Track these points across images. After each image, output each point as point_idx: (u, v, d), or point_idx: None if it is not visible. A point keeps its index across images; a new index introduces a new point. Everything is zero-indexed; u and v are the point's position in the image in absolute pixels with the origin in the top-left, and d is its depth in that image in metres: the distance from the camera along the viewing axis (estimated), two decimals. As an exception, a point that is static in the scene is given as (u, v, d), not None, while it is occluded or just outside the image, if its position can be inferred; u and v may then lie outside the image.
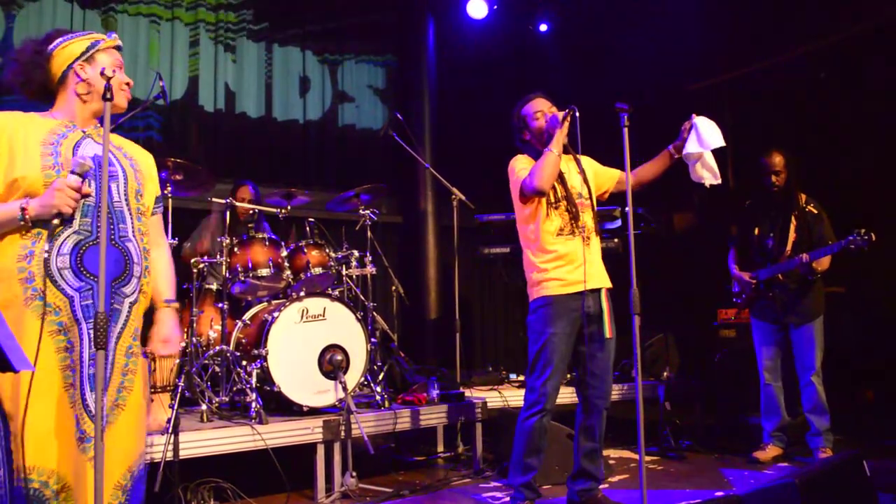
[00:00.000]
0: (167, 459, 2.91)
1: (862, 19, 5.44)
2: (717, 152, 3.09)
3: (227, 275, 3.98)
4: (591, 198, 3.19)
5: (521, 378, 5.02)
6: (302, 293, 3.89)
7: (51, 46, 2.13)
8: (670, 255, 6.08)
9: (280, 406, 3.76)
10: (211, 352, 3.95)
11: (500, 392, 4.55)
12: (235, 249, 4.01)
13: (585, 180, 3.21)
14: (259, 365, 3.65)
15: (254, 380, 3.63)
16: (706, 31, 6.20)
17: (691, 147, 3.08)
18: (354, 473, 3.45)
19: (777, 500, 2.25)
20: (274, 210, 4.38)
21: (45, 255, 1.97)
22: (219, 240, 4.05)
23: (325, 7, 6.63)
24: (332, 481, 3.53)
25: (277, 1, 6.37)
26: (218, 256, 4.02)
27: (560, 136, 3.04)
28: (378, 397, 3.97)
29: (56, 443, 1.91)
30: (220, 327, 4.04)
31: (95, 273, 2.00)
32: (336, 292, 4.18)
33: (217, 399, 3.79)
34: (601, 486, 3.32)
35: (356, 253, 4.39)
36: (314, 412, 3.68)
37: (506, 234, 4.91)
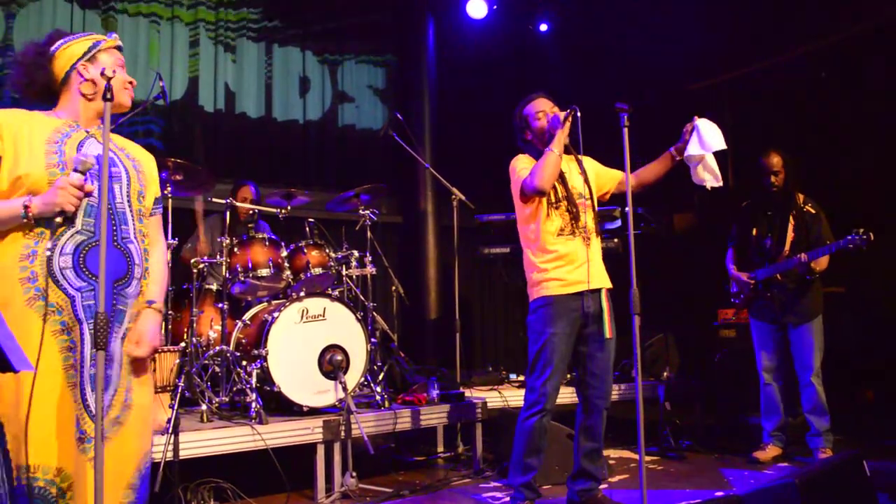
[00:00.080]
0: (167, 459, 2.91)
1: (862, 19, 5.44)
2: (717, 153, 3.09)
3: (227, 275, 3.98)
4: (591, 198, 3.20)
5: (521, 378, 5.02)
6: (302, 293, 3.89)
7: (53, 47, 2.13)
8: (670, 255, 6.08)
9: (280, 406, 3.76)
10: (211, 352, 3.95)
11: (500, 392, 4.55)
12: (235, 249, 4.01)
13: (587, 181, 3.21)
14: (259, 365, 3.65)
15: (254, 380, 3.63)
16: (706, 31, 6.20)
17: (693, 149, 3.08)
18: (354, 473, 3.46)
19: (777, 500, 2.25)
20: (274, 210, 4.38)
21: (48, 253, 1.96)
22: (219, 240, 4.05)
23: (325, 7, 6.63)
24: (332, 481, 3.53)
25: (278, 1, 6.37)
26: (218, 256, 4.02)
27: (561, 136, 3.04)
28: (378, 397, 3.97)
29: (60, 442, 1.91)
30: (220, 327, 4.04)
31: (97, 273, 2.00)
32: (336, 292, 4.18)
33: (217, 399, 3.79)
34: (601, 486, 3.32)
35: (356, 253, 4.39)
36: (314, 412, 3.68)
37: (506, 234, 4.92)
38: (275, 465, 3.28)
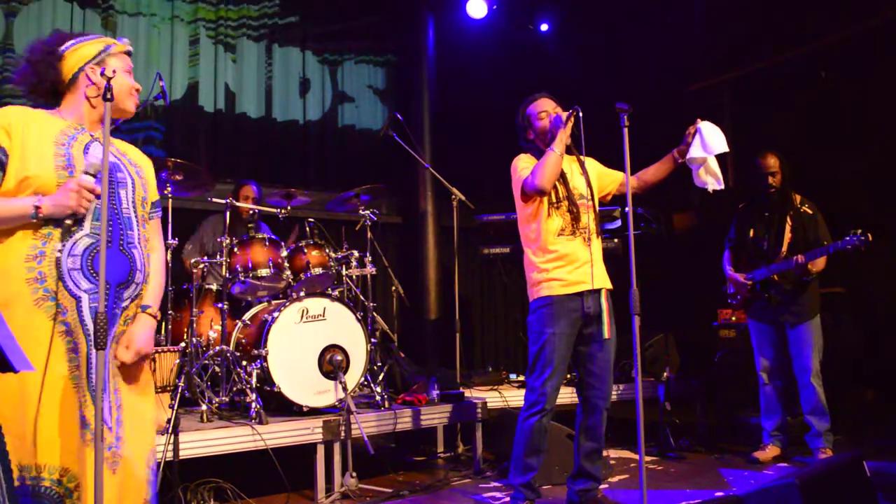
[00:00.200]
0: (167, 459, 2.91)
1: (862, 19, 5.44)
2: (718, 155, 3.10)
3: (227, 275, 3.98)
4: (592, 199, 3.20)
5: (521, 378, 5.02)
6: (302, 293, 3.89)
7: (63, 47, 2.13)
8: (670, 255, 6.08)
9: (280, 406, 3.76)
10: (211, 352, 3.94)
11: (500, 392, 4.55)
12: (235, 250, 4.01)
13: (588, 182, 3.21)
14: (259, 365, 3.65)
15: (254, 380, 3.63)
16: (706, 31, 6.20)
17: (695, 152, 3.09)
18: (354, 474, 3.46)
19: (777, 500, 2.25)
20: (274, 210, 4.38)
21: (58, 254, 1.96)
22: (218, 240, 4.05)
23: (325, 7, 6.63)
24: (332, 481, 3.53)
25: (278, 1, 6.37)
26: (218, 257, 4.02)
27: (563, 136, 3.05)
28: (378, 397, 3.96)
29: (66, 442, 1.91)
30: (220, 327, 4.03)
31: (106, 277, 2.01)
32: (336, 292, 4.18)
33: (217, 399, 3.79)
34: (601, 486, 3.32)
35: (356, 253, 4.39)
36: (314, 412, 3.68)
37: (506, 234, 4.91)
38: (275, 466, 3.28)
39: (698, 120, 3.13)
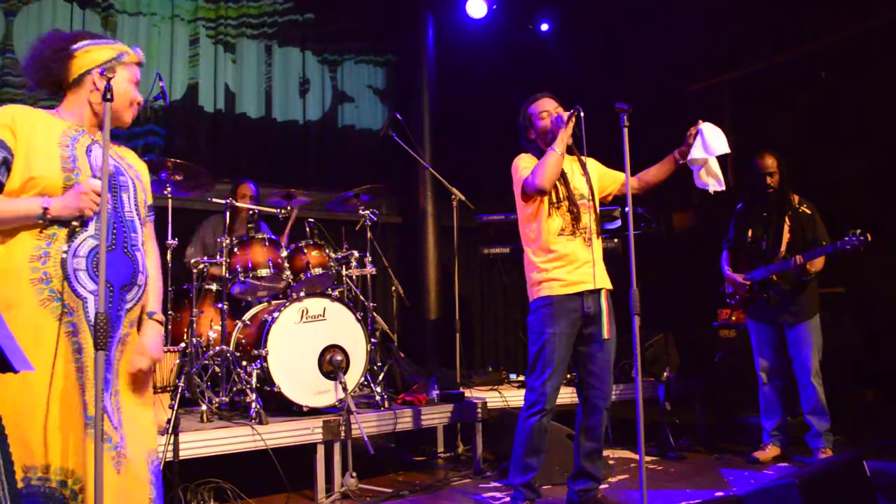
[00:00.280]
0: (167, 460, 2.91)
1: (862, 19, 5.44)
2: (719, 155, 3.10)
3: (227, 275, 3.98)
4: (593, 199, 3.20)
5: (521, 378, 5.02)
6: (302, 293, 3.89)
7: (76, 45, 2.12)
8: (670, 255, 6.08)
9: (280, 406, 3.76)
10: (211, 352, 3.94)
11: (500, 392, 4.55)
12: (235, 250, 4.01)
13: (589, 182, 3.21)
14: (259, 365, 3.65)
15: (254, 380, 3.63)
16: (706, 31, 6.20)
17: (696, 153, 3.09)
18: (354, 474, 3.46)
19: (777, 500, 2.25)
20: (274, 210, 4.38)
21: (64, 255, 1.96)
22: (218, 240, 4.05)
23: (325, 7, 6.63)
24: (332, 482, 3.53)
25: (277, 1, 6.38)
26: (218, 257, 4.02)
27: (564, 136, 3.05)
28: (378, 397, 3.96)
29: (73, 443, 1.91)
30: (220, 328, 4.03)
31: (111, 279, 2.02)
32: (336, 293, 4.18)
33: (217, 399, 3.78)
34: (601, 486, 3.32)
35: (356, 253, 4.39)
36: (314, 412, 3.68)
37: (506, 234, 4.91)
38: (275, 466, 3.28)
39: (699, 121, 3.14)
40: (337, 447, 3.54)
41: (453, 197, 4.86)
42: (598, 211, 3.22)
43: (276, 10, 6.34)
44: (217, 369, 3.93)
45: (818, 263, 4.00)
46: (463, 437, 4.59)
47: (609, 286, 3.17)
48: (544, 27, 7.07)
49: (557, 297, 3.06)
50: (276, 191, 4.63)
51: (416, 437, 4.60)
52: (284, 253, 4.08)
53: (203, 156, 5.69)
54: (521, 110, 3.28)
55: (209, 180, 4.20)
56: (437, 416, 4.06)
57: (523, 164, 3.17)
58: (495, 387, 4.80)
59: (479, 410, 4.15)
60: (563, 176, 3.13)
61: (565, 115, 3.08)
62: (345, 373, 3.67)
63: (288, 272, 4.06)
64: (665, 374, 4.65)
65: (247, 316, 4.09)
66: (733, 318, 4.90)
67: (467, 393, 4.39)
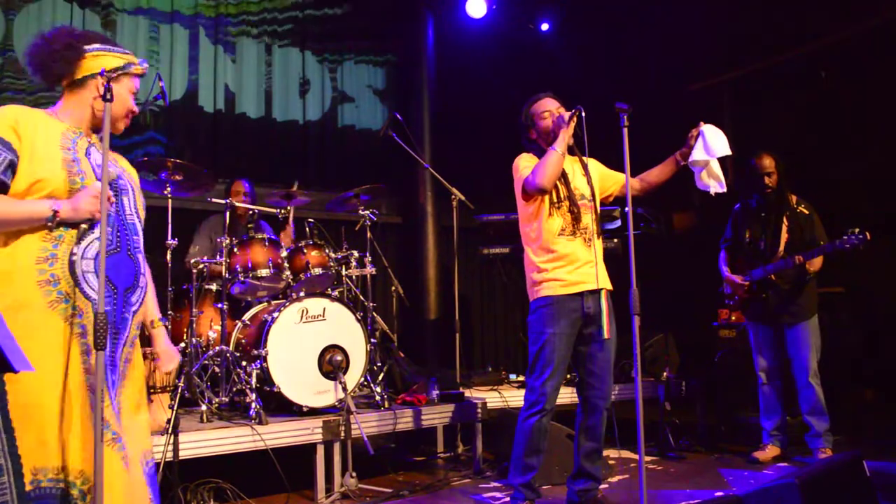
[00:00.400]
0: (167, 460, 2.91)
1: (862, 19, 5.44)
2: (720, 157, 3.10)
3: (227, 275, 3.98)
4: (594, 200, 3.19)
5: (521, 378, 5.02)
6: (302, 293, 3.89)
7: (88, 47, 2.11)
8: (670, 255, 6.08)
9: (280, 406, 3.76)
10: (211, 352, 3.95)
11: (500, 392, 4.55)
12: (235, 250, 4.01)
13: (590, 182, 3.21)
14: (259, 365, 3.65)
15: (253, 380, 3.63)
16: (706, 31, 6.20)
17: (698, 154, 3.10)
18: (354, 474, 3.46)
19: (777, 500, 2.25)
20: (273, 210, 4.38)
21: (73, 257, 1.96)
22: (218, 240, 4.05)
23: (325, 7, 6.63)
24: (331, 482, 3.53)
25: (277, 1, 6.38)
26: (217, 257, 4.02)
27: (565, 136, 3.05)
28: (378, 397, 3.96)
29: (84, 444, 1.91)
30: (219, 328, 4.03)
31: (115, 282, 2.03)
32: (336, 293, 4.18)
33: (217, 399, 3.79)
34: (601, 486, 3.32)
35: (356, 253, 4.39)
36: (314, 412, 3.67)
37: (506, 234, 4.91)
38: (275, 466, 3.28)
39: (701, 123, 3.14)
40: (337, 447, 3.54)
41: (453, 197, 4.86)
42: (598, 211, 3.22)
43: (275, 7, 6.33)
44: (217, 369, 3.93)
45: (817, 263, 4.00)
46: (463, 437, 4.59)
47: (609, 286, 3.17)
48: (544, 27, 7.07)
49: (557, 297, 3.06)
50: (276, 191, 4.63)
51: (415, 437, 4.60)
52: (284, 253, 4.08)
53: (203, 156, 5.68)
54: (522, 110, 3.28)
55: (209, 180, 4.20)
56: (437, 416, 4.06)
57: (524, 164, 3.17)
58: (495, 387, 4.80)
59: (479, 410, 4.15)
60: (563, 176, 3.13)
61: (566, 114, 3.08)
62: (345, 373, 3.67)
63: (288, 272, 4.06)
64: (665, 374, 4.65)
65: (247, 316, 4.09)
66: (733, 319, 4.90)
67: (467, 393, 4.39)
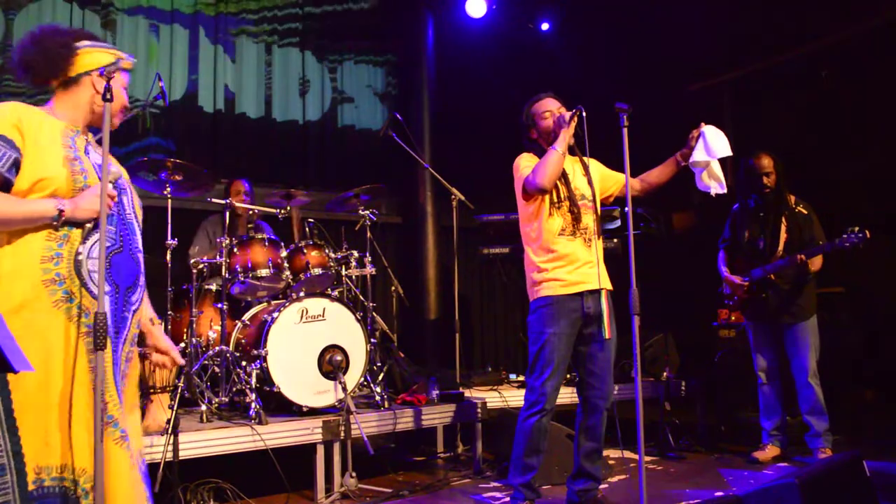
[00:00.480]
0: (167, 460, 2.91)
1: (862, 19, 5.44)
2: (721, 158, 3.11)
3: (227, 275, 3.98)
4: (594, 200, 3.19)
5: (521, 378, 5.02)
6: (301, 293, 3.89)
7: (79, 44, 2.10)
8: (670, 255, 6.08)
9: (280, 406, 3.76)
10: (210, 352, 3.95)
11: (499, 392, 4.55)
12: (235, 250, 4.01)
13: (590, 182, 3.20)
14: (258, 365, 3.65)
15: (253, 380, 3.63)
16: (706, 31, 6.20)
17: (698, 155, 3.10)
18: (354, 474, 3.46)
19: (777, 500, 2.25)
20: (273, 210, 4.38)
21: (80, 256, 1.96)
22: (218, 240, 4.05)
23: (325, 7, 6.63)
24: (331, 482, 3.53)
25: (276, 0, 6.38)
26: (217, 257, 4.02)
27: (565, 136, 3.05)
28: (378, 397, 3.96)
29: (87, 442, 1.92)
30: (219, 328, 4.03)
31: (117, 281, 2.03)
32: (335, 293, 4.18)
33: (217, 399, 3.79)
34: (601, 486, 3.32)
35: (356, 253, 4.39)
36: (314, 412, 3.67)
37: (506, 234, 4.91)
38: (275, 466, 3.28)
39: (702, 123, 3.14)
40: (337, 447, 3.54)
41: (453, 197, 4.86)
42: (599, 212, 3.22)
43: (275, 5, 6.33)
44: (217, 369, 3.93)
45: (817, 262, 4.00)
46: (463, 437, 4.59)
47: (609, 287, 3.16)
48: (544, 27, 7.07)
49: (557, 297, 3.06)
50: (275, 191, 4.63)
51: (415, 437, 4.60)
52: (284, 253, 4.08)
53: (203, 156, 5.69)
54: (523, 110, 3.28)
55: (209, 180, 4.20)
56: (436, 416, 4.06)
57: (524, 163, 3.17)
58: (495, 387, 4.80)
59: (479, 410, 4.15)
60: (564, 176, 3.13)
61: (567, 114, 3.08)
62: (344, 373, 3.67)
63: (287, 272, 4.06)
64: (665, 374, 4.65)
65: (246, 316, 4.09)
66: (733, 318, 4.90)
67: (467, 393, 4.39)
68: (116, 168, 2.12)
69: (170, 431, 2.93)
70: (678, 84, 6.44)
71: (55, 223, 1.93)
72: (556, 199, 3.11)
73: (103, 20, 5.45)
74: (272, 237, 4.19)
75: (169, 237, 3.83)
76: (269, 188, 5.04)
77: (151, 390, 3.19)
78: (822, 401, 3.98)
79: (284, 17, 6.40)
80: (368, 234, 4.57)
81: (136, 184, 4.16)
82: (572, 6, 6.91)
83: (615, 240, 4.79)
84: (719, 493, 3.47)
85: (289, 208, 4.43)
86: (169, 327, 4.02)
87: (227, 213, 4.18)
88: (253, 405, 3.50)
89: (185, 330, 4.11)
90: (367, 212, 4.51)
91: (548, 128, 3.17)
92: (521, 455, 3.10)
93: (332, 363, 3.68)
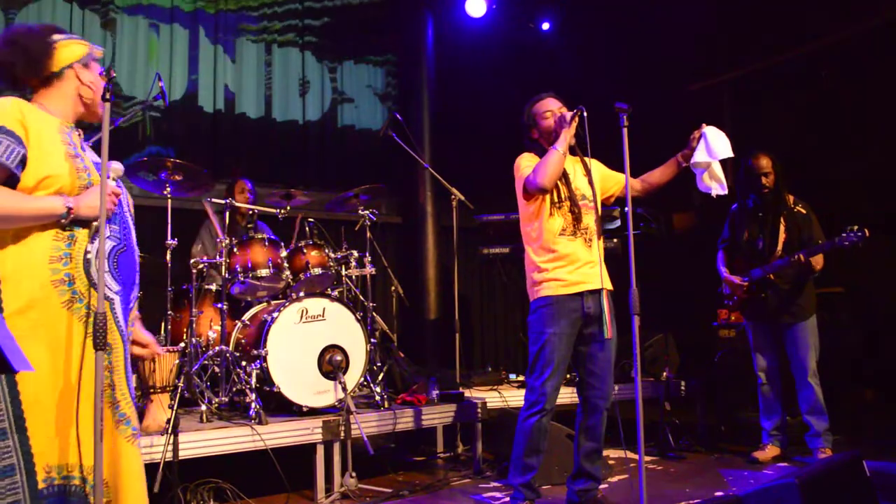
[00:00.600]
0: (167, 460, 2.91)
1: (862, 19, 5.44)
2: (722, 159, 3.11)
3: (227, 275, 3.98)
4: (595, 200, 3.19)
5: (521, 378, 5.02)
6: (301, 293, 3.89)
7: (55, 38, 2.07)
8: (670, 255, 6.08)
9: (280, 406, 3.76)
10: (210, 352, 3.95)
11: (499, 392, 4.55)
12: (235, 250, 4.01)
13: (591, 183, 3.20)
14: (258, 365, 3.65)
15: (253, 380, 3.63)
16: (706, 31, 6.20)
17: (700, 156, 3.10)
18: (354, 474, 3.46)
19: (777, 500, 2.25)
20: (273, 210, 4.38)
21: (88, 256, 1.96)
22: (217, 240, 4.05)
23: (324, 6, 6.63)
24: (331, 482, 3.53)
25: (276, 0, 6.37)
26: (217, 257, 4.02)
27: (566, 136, 3.05)
28: (378, 397, 3.96)
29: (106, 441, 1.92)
30: (219, 328, 4.03)
31: (124, 278, 2.05)
32: (335, 293, 4.18)
33: (217, 399, 3.79)
34: (601, 486, 3.32)
35: (355, 253, 4.39)
36: (314, 412, 3.67)
37: (505, 234, 4.91)
38: (275, 466, 3.28)
39: (703, 125, 3.14)
40: (337, 447, 3.54)
41: (453, 197, 4.86)
42: (599, 212, 3.22)
43: (275, 1, 6.32)
44: (216, 369, 3.93)
45: (820, 261, 4.00)
46: (463, 437, 4.59)
47: (609, 287, 3.16)
48: (545, 27, 7.07)
49: (558, 297, 3.06)
50: (275, 191, 4.63)
51: (415, 437, 4.60)
52: (284, 253, 4.08)
53: (203, 156, 5.69)
54: (524, 109, 3.28)
55: (209, 180, 4.20)
56: (436, 416, 4.06)
57: (525, 163, 3.17)
58: (495, 387, 4.79)
59: (479, 410, 4.15)
60: (564, 176, 3.13)
61: (568, 114, 3.08)
62: (344, 373, 3.67)
63: (287, 272, 4.06)
64: (665, 374, 4.65)
65: (246, 316, 4.09)
66: (732, 318, 4.90)
67: (467, 393, 4.39)
68: (118, 165, 2.12)
69: (170, 431, 2.93)
70: (678, 84, 6.44)
71: (63, 221, 1.92)
72: (556, 199, 3.11)
73: (103, 19, 5.45)
74: (272, 237, 4.19)
75: (169, 237, 3.83)
76: (269, 188, 5.04)
77: (151, 390, 3.20)
78: (821, 401, 3.98)
79: (284, 14, 6.39)
80: (368, 234, 4.57)
81: (136, 184, 4.20)
82: (572, 6, 6.91)
83: (615, 240, 4.79)
84: (719, 493, 3.47)
85: (289, 208, 4.44)
86: (169, 327, 4.03)
87: (227, 213, 4.18)
88: (253, 405, 3.49)
89: (185, 330, 4.11)
90: (367, 212, 4.51)
91: (549, 128, 3.17)
92: (521, 455, 3.10)
93: (332, 363, 3.68)
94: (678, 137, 3.21)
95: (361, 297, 4.56)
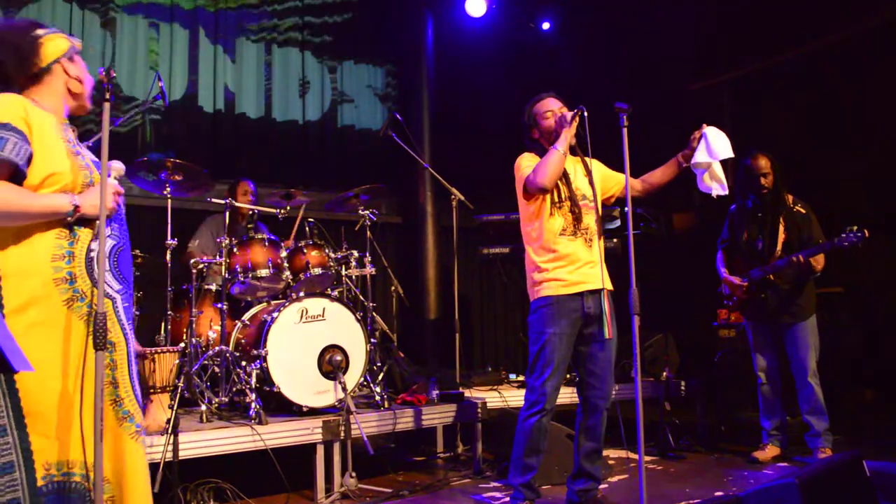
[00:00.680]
0: (167, 460, 2.91)
1: (862, 19, 5.44)
2: (723, 159, 3.11)
3: (227, 275, 3.98)
4: (595, 200, 3.19)
5: (521, 378, 5.02)
6: (301, 293, 3.88)
7: (39, 32, 2.06)
8: (670, 255, 6.08)
9: (280, 406, 3.76)
10: (210, 352, 3.94)
11: (499, 392, 4.55)
12: (235, 250, 4.01)
13: (592, 183, 3.20)
14: (258, 365, 3.65)
15: (253, 380, 3.63)
16: (706, 30, 6.20)
17: (700, 157, 3.10)
18: (354, 474, 3.46)
19: (777, 500, 2.25)
20: (273, 210, 4.38)
21: (91, 254, 1.96)
22: (217, 240, 4.05)
23: (324, 7, 6.63)
24: (331, 482, 3.53)
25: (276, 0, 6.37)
26: (217, 257, 4.02)
27: (567, 136, 3.05)
28: (378, 397, 3.96)
29: (106, 439, 1.92)
30: (219, 328, 4.03)
31: (126, 277, 2.06)
32: (335, 293, 4.18)
33: (216, 399, 3.78)
34: (601, 486, 3.32)
35: (355, 253, 4.39)
36: (314, 412, 3.67)
37: (505, 234, 4.91)
38: (275, 466, 3.28)
39: (703, 125, 3.14)
40: (337, 447, 3.54)
41: (453, 197, 4.86)
42: (600, 212, 3.22)
43: (274, 11, 6.33)
44: (216, 369, 3.93)
45: (819, 262, 4.00)
46: (463, 437, 4.59)
47: (610, 287, 3.16)
48: (545, 26, 7.06)
49: (558, 296, 3.06)
50: (275, 191, 4.63)
51: (415, 437, 4.60)
52: (284, 253, 4.08)
53: (203, 156, 5.68)
54: (525, 109, 3.28)
55: (209, 180, 4.20)
56: (436, 416, 4.06)
57: (525, 163, 3.17)
58: (495, 387, 4.79)
59: (479, 410, 4.15)
60: (565, 176, 3.13)
61: (569, 114, 3.08)
62: (344, 373, 3.67)
63: (287, 272, 4.06)
64: (665, 374, 4.65)
65: (246, 316, 4.09)
66: (732, 318, 4.90)
67: (467, 393, 4.39)
68: (119, 164, 2.12)
69: (170, 431, 2.93)
70: (678, 84, 6.44)
71: (69, 218, 1.92)
72: (557, 199, 3.11)
73: (103, 19, 5.45)
74: (272, 237, 4.19)
75: (169, 237, 3.83)
76: (268, 188, 5.04)
77: (151, 390, 3.20)
78: (821, 400, 3.98)
79: (284, 12, 6.38)
80: (368, 234, 4.57)
81: (137, 183, 4.21)
82: (572, 6, 6.91)
83: (615, 240, 4.79)
84: (719, 493, 3.47)
85: (289, 208, 4.44)
86: (169, 327, 4.03)
87: (227, 214, 4.18)
88: (253, 405, 3.49)
89: (185, 330, 4.11)
90: (367, 212, 4.51)
91: (549, 127, 3.17)
92: (521, 455, 3.10)
93: (332, 363, 3.68)
94: (678, 137, 3.21)
95: (361, 297, 4.56)
